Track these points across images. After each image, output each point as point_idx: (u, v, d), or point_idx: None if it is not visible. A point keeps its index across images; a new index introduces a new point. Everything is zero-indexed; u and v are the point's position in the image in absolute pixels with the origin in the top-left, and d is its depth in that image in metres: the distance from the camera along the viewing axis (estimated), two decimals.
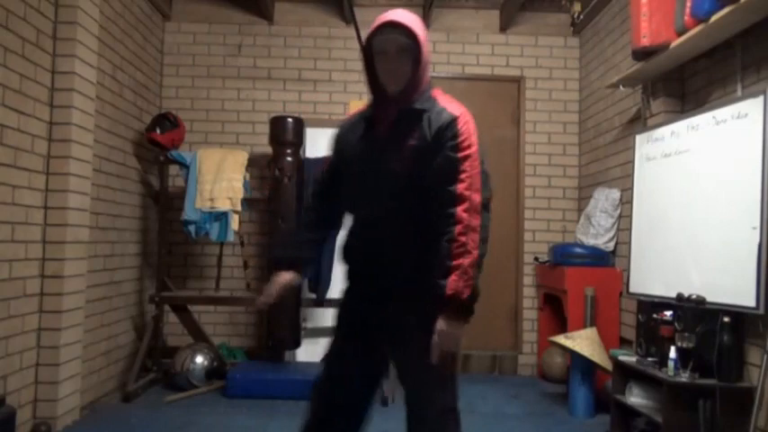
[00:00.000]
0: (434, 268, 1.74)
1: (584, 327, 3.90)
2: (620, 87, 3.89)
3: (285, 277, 1.99)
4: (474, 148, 1.78)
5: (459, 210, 1.72)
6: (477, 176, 1.76)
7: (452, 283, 1.69)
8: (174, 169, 4.69)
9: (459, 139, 1.77)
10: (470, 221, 1.72)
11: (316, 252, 2.11)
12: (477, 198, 1.74)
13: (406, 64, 1.82)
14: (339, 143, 2.05)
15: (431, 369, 1.81)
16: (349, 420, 1.99)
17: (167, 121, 4.41)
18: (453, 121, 1.79)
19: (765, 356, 2.61)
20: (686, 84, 3.53)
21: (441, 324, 1.72)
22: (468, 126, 1.80)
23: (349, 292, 2.02)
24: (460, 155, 1.76)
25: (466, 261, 1.70)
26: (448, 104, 1.85)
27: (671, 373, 2.84)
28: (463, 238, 1.70)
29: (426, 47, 1.84)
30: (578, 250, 4.21)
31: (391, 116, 1.88)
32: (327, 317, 4.64)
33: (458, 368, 1.94)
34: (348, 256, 2.00)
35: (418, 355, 1.79)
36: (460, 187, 1.73)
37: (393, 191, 1.86)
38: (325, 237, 2.11)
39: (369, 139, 1.93)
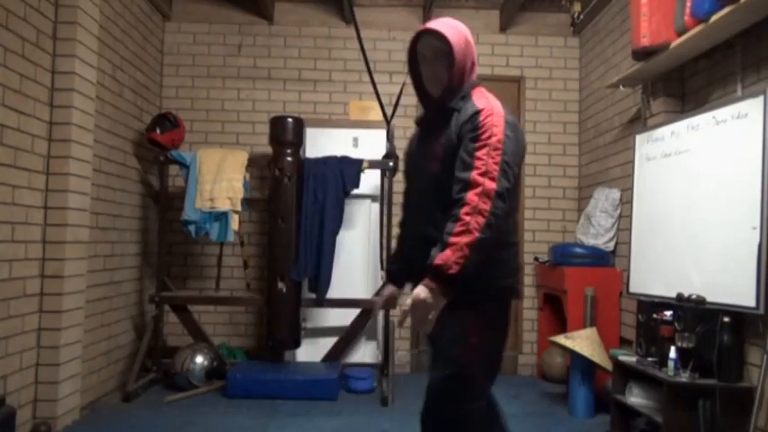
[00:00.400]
0: None
1: (584, 327, 3.90)
2: (620, 87, 3.89)
3: (388, 290, 2.21)
4: (494, 139, 1.78)
5: (471, 193, 1.74)
6: (494, 166, 1.75)
7: (444, 255, 1.70)
8: (174, 169, 4.69)
9: (479, 131, 1.80)
10: (479, 204, 1.72)
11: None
12: (490, 185, 1.74)
13: (442, 67, 1.92)
14: (406, 151, 2.18)
15: (446, 360, 1.86)
16: None
17: (167, 121, 4.41)
18: (475, 114, 1.84)
19: (765, 356, 2.61)
20: (686, 84, 3.53)
21: (417, 289, 1.74)
22: (490, 119, 1.81)
23: None
24: (477, 144, 1.79)
25: (464, 240, 1.70)
26: (478, 100, 1.88)
27: (671, 373, 2.84)
28: (467, 218, 1.71)
29: (461, 50, 1.90)
30: (578, 250, 4.21)
31: (433, 118, 2.00)
32: (327, 317, 4.64)
33: (484, 362, 1.91)
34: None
35: (436, 344, 1.89)
36: (474, 174, 1.76)
37: (426, 190, 1.96)
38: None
39: (418, 142, 2.08)
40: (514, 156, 1.82)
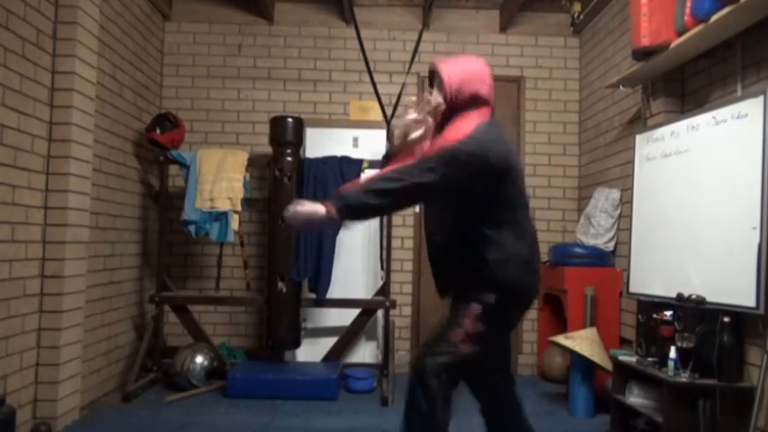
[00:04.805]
0: (467, 273, 2.13)
1: (584, 327, 3.90)
2: (620, 87, 3.89)
3: None
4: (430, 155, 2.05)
5: (388, 168, 2.11)
6: (410, 168, 2.03)
7: (349, 188, 2.15)
8: (174, 169, 4.69)
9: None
10: (385, 178, 2.06)
11: None
12: (393, 178, 2.04)
13: (438, 96, 2.21)
14: None
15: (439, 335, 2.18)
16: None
17: (167, 121, 4.40)
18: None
19: (765, 356, 2.61)
20: (686, 84, 3.53)
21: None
22: (455, 140, 2.06)
23: None
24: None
25: (360, 188, 2.10)
26: (461, 123, 2.11)
27: (671, 373, 2.83)
28: (376, 177, 2.11)
29: (452, 80, 2.16)
30: (578, 250, 4.21)
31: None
32: (327, 317, 4.64)
33: (465, 342, 2.12)
34: None
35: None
36: (397, 166, 2.09)
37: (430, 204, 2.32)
38: None
39: None
40: (448, 169, 2.01)
